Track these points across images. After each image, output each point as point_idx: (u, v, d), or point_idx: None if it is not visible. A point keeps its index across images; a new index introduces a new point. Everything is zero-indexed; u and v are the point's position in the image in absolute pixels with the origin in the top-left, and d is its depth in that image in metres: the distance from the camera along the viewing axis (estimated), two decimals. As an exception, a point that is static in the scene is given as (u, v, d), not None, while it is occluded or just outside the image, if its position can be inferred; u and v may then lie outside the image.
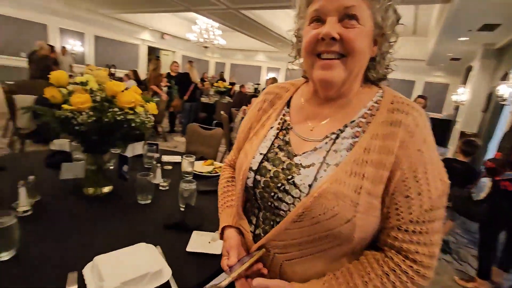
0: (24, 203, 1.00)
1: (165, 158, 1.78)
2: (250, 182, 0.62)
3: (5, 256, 0.76)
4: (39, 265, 0.77)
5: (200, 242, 0.94)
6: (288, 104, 0.69)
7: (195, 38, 9.58)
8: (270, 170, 0.59)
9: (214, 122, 5.46)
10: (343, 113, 0.59)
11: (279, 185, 0.57)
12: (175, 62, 5.67)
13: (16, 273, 0.73)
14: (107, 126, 1.07)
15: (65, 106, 0.97)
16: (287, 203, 0.56)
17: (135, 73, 7.43)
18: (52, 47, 6.35)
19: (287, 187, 0.56)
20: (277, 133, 0.64)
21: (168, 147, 4.73)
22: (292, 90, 0.70)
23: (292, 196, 0.55)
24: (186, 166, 1.53)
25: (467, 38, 5.12)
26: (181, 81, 5.40)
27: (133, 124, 1.13)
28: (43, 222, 0.98)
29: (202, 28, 9.38)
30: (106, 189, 1.24)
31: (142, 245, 0.81)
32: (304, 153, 0.58)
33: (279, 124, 0.66)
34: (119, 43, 10.03)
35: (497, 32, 4.50)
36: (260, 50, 12.85)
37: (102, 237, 0.93)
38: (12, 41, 7.33)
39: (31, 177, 1.06)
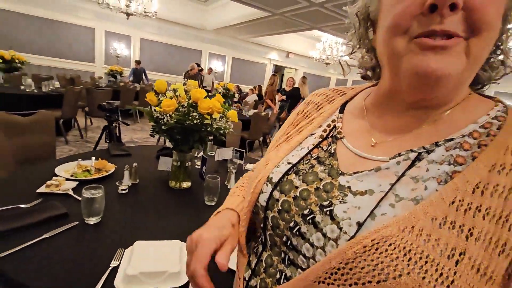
0: (125, 183, 1.25)
1: (249, 166, 1.84)
2: (262, 200, 0.43)
3: (92, 220, 0.96)
4: (111, 234, 0.93)
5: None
6: (342, 109, 0.50)
7: (318, 55, 9.77)
8: (297, 187, 0.41)
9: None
10: (434, 127, 0.37)
11: (306, 212, 0.38)
12: (290, 78, 5.93)
13: (95, 235, 0.91)
14: (188, 128, 1.20)
15: (157, 108, 1.16)
16: (312, 245, 0.36)
17: (259, 88, 8.30)
18: (200, 66, 8.03)
19: (319, 218, 0.37)
20: (319, 142, 0.46)
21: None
22: (350, 94, 0.52)
23: (324, 235, 0.35)
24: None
25: None
26: (292, 95, 5.56)
27: (209, 129, 1.22)
28: (132, 200, 1.19)
29: (325, 45, 9.46)
30: (185, 185, 1.39)
31: (178, 243, 0.84)
32: (357, 172, 0.38)
33: (324, 131, 0.47)
34: (250, 63, 11.54)
35: None
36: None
37: (165, 224, 1.04)
38: (179, 63, 9.81)
39: (135, 164, 1.33)
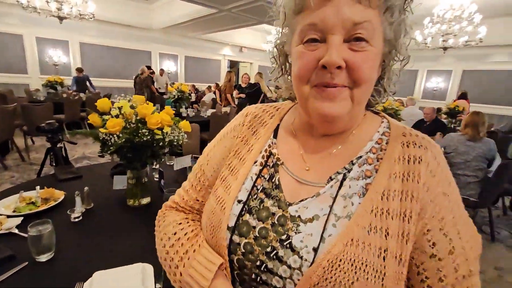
0: (77, 210, 1.19)
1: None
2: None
3: (44, 258, 0.91)
4: (67, 268, 0.89)
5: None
6: (275, 133, 0.54)
7: (270, 48, 9.92)
8: (254, 227, 0.44)
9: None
10: (346, 147, 0.47)
11: (269, 249, 0.41)
12: (245, 74, 5.98)
13: (49, 273, 0.86)
14: (139, 145, 1.18)
15: (101, 129, 1.12)
16: (281, 276, 0.40)
17: (217, 86, 8.25)
18: (151, 69, 7.68)
19: (281, 252, 0.41)
20: (260, 170, 0.49)
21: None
22: (277, 117, 0.56)
23: (289, 267, 0.39)
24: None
25: None
26: (250, 91, 5.62)
27: (161, 143, 1.21)
28: (87, 228, 1.15)
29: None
30: (144, 201, 1.36)
31: (139, 266, 0.84)
32: (302, 200, 0.44)
33: (263, 158, 0.51)
34: (204, 60, 11.31)
35: None
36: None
37: (126, 247, 1.02)
38: (126, 66, 9.23)
39: (86, 188, 1.27)
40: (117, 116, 1.16)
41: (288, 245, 0.41)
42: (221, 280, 0.43)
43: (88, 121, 1.20)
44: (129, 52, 9.29)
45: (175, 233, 0.52)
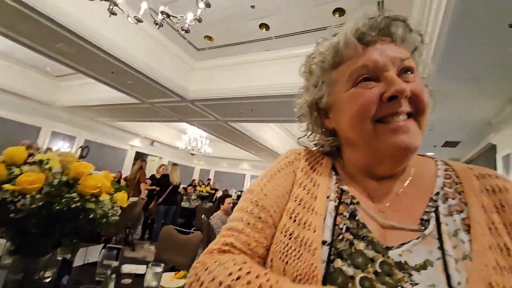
0: None
1: (126, 268, 1.41)
2: None
3: None
4: None
5: None
6: (335, 171, 0.50)
7: (184, 146, 10.15)
8: (353, 278, 0.35)
9: (193, 229, 4.96)
10: (413, 186, 0.44)
11: None
12: (163, 165, 5.64)
13: None
14: (57, 216, 0.83)
15: (6, 186, 0.76)
16: None
17: (121, 175, 7.35)
18: (32, 146, 6.34)
19: None
20: (336, 207, 0.43)
21: (134, 258, 4.03)
22: (329, 158, 0.53)
23: None
24: (150, 279, 1.18)
25: (433, 153, 5.67)
26: (160, 182, 5.10)
27: (91, 215, 0.90)
28: None
29: (191, 137, 10.10)
30: (26, 314, 0.85)
31: None
32: (403, 244, 0.37)
33: (336, 193, 0.45)
34: (108, 147, 10.32)
35: (459, 148, 5.05)
36: (245, 159, 13.53)
37: None
38: (3, 141, 7.35)
39: None
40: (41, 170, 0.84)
41: None
42: None
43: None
44: (13, 124, 7.65)
45: (240, 269, 0.34)
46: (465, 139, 4.56)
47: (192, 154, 10.58)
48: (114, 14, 2.73)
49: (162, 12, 2.62)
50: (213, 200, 7.95)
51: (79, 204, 0.85)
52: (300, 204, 0.44)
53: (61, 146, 8.82)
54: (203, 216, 3.69)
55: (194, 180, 10.61)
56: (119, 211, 1.06)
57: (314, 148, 0.56)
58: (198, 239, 2.17)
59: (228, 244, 0.42)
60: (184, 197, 7.25)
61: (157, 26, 2.77)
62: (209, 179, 11.40)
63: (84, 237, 1.26)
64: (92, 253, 1.39)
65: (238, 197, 10.52)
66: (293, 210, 0.44)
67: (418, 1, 3.11)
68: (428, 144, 4.99)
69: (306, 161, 0.51)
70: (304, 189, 0.46)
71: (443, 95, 3.17)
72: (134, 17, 2.75)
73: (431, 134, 4.48)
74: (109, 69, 4.63)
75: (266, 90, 4.57)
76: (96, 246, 1.39)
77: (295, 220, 0.42)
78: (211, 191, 7.64)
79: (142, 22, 2.81)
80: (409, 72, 0.43)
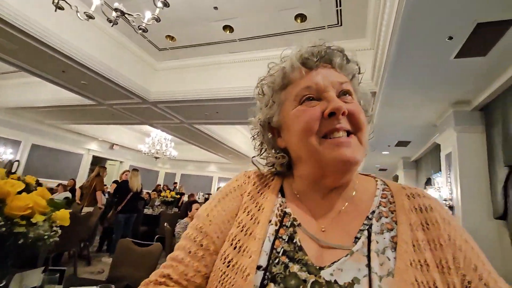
0: None
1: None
2: None
3: None
4: None
5: None
6: (282, 193, 0.51)
7: (147, 149, 9.65)
8: None
9: (156, 237, 4.73)
10: (353, 204, 0.47)
11: None
12: (127, 171, 5.16)
13: None
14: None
15: None
16: None
17: (75, 183, 6.76)
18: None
19: None
20: (277, 231, 0.44)
21: (91, 272, 3.73)
22: (279, 178, 0.54)
23: None
24: (99, 302, 1.08)
25: (388, 152, 6.10)
26: (118, 189, 4.72)
27: (21, 240, 0.79)
28: None
29: (155, 140, 9.65)
30: None
31: None
32: (334, 262, 0.39)
33: (278, 217, 0.46)
34: (60, 152, 9.45)
35: (410, 147, 5.49)
36: (212, 162, 13.31)
37: None
38: None
39: None
40: None
41: None
42: None
43: None
44: None
45: None
46: (415, 140, 4.98)
47: (156, 158, 10.13)
48: (61, 8, 2.49)
49: (116, 9, 2.46)
50: (179, 205, 7.66)
51: (4, 229, 0.74)
52: (242, 230, 0.45)
53: (3, 152, 7.86)
54: (165, 224, 3.53)
55: (159, 185, 10.14)
56: (59, 231, 0.95)
57: (266, 169, 0.57)
58: (159, 251, 2.06)
59: (165, 276, 0.44)
60: (147, 203, 6.90)
61: (111, 23, 2.58)
62: (175, 183, 10.96)
63: (19, 260, 1.12)
64: (31, 278, 1.23)
65: (205, 199, 10.32)
66: (235, 236, 0.45)
67: (371, 18, 3.34)
68: (383, 143, 5.34)
69: (254, 185, 0.53)
70: (248, 214, 0.48)
71: (395, 101, 3.43)
72: (85, 13, 2.54)
73: (385, 135, 4.82)
74: (58, 68, 4.23)
75: (231, 92, 4.53)
76: (34, 270, 1.23)
77: (235, 247, 0.43)
78: (176, 196, 7.32)
79: (94, 18, 2.61)
80: (347, 95, 0.48)
